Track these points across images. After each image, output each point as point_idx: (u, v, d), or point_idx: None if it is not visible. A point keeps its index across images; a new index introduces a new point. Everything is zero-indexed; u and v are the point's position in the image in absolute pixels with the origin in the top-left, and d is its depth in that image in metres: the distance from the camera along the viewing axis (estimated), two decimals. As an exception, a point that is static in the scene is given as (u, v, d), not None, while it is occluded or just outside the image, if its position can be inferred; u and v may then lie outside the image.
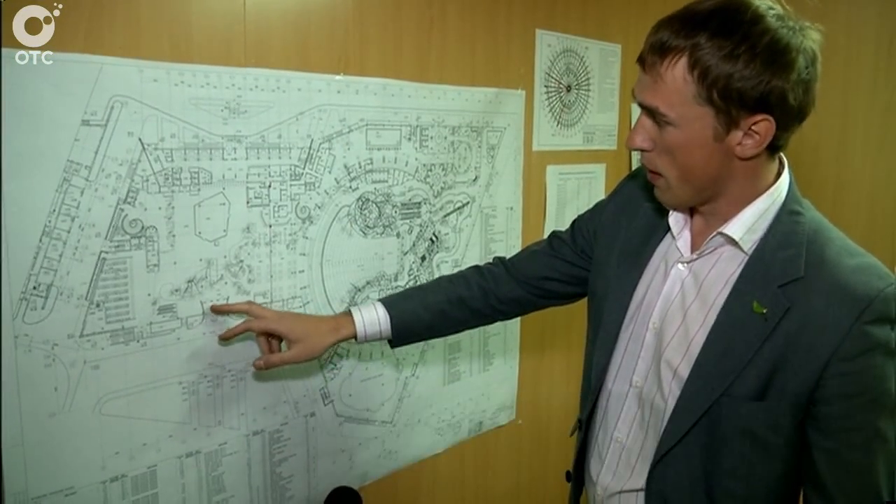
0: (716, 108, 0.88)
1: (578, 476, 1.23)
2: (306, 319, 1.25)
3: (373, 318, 1.24)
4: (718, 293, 0.98)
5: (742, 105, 0.87)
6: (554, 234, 1.33)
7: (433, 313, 1.27)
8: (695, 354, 0.97)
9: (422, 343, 1.61)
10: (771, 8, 0.88)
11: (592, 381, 1.14)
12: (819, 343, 0.89)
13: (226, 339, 1.22)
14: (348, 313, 1.25)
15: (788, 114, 0.89)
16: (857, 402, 0.90)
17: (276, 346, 1.23)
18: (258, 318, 1.20)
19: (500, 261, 1.35)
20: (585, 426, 1.19)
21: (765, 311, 0.92)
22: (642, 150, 0.98)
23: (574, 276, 1.27)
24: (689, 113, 0.89)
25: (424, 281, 1.58)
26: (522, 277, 1.30)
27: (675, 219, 1.05)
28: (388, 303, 1.26)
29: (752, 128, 0.89)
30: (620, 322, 1.09)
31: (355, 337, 1.23)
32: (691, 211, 1.04)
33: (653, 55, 0.91)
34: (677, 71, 0.88)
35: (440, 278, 1.36)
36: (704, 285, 1.00)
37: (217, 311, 1.21)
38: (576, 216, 1.32)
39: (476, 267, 1.35)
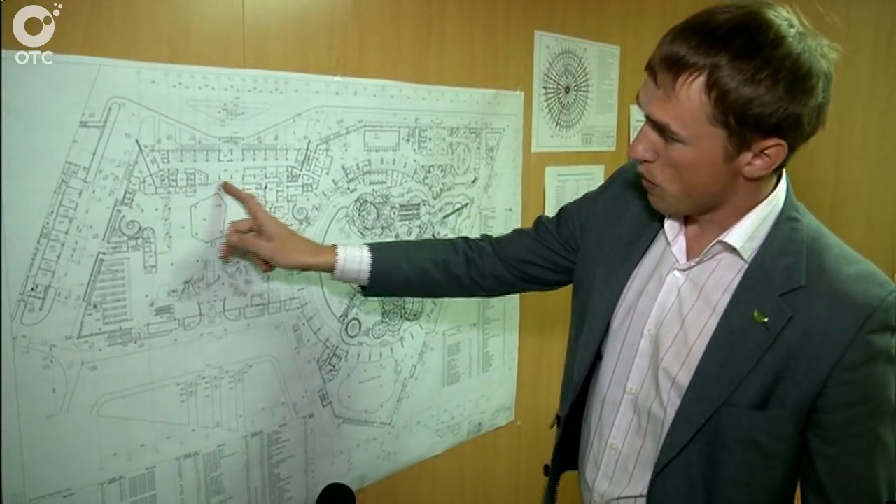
0: (729, 131, 0.86)
1: (556, 472, 1.24)
2: (295, 234, 1.25)
3: (355, 255, 1.22)
4: (718, 301, 0.97)
5: (757, 129, 0.85)
6: (540, 220, 1.31)
7: (415, 268, 1.25)
8: (694, 363, 0.97)
9: (421, 344, 1.62)
10: (791, 26, 0.86)
11: (575, 378, 1.14)
12: (822, 352, 0.89)
13: (226, 257, 1.21)
14: (333, 246, 1.23)
15: (801, 137, 0.88)
16: (860, 409, 0.90)
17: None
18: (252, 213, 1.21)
19: (487, 237, 1.34)
20: (570, 425, 1.19)
21: (766, 319, 0.91)
22: (644, 161, 0.95)
23: (556, 263, 1.26)
24: (700, 132, 0.87)
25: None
26: (505, 257, 1.29)
27: (670, 224, 1.03)
28: (373, 246, 1.25)
29: (764, 151, 0.87)
30: (606, 321, 1.09)
31: (332, 270, 1.21)
32: (686, 216, 1.04)
33: (667, 70, 0.87)
34: (693, 90, 0.85)
35: (428, 238, 1.36)
36: (703, 293, 0.99)
37: (228, 189, 1.21)
38: (563, 205, 1.32)
39: (465, 238, 1.34)
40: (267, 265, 1.22)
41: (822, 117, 0.89)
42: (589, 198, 1.26)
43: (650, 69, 0.91)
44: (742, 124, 0.85)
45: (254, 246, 1.18)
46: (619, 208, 1.14)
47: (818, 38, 0.88)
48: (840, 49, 0.89)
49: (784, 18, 0.86)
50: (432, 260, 1.27)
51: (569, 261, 1.24)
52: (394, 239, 1.50)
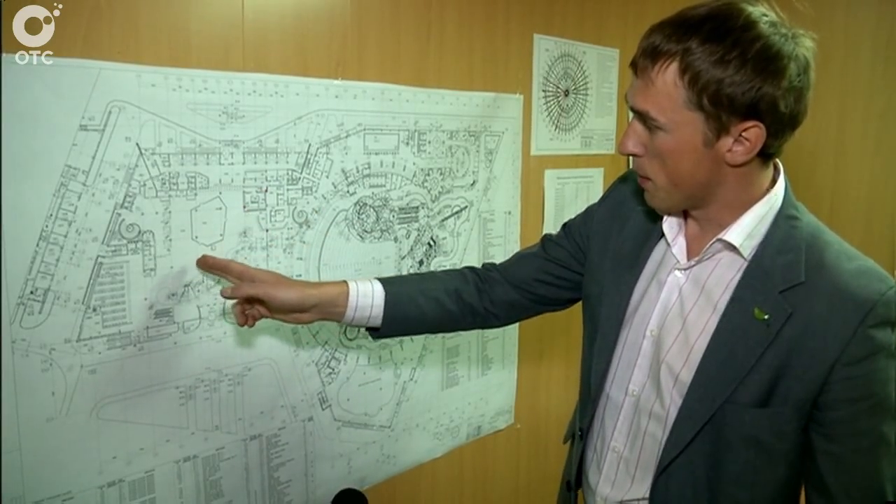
0: (706, 114, 0.88)
1: (579, 487, 1.22)
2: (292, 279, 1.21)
3: (367, 289, 1.15)
4: (718, 299, 0.97)
5: (732, 111, 0.87)
6: (546, 237, 1.30)
7: (428, 299, 1.20)
8: (696, 362, 0.97)
9: (420, 347, 1.62)
10: (764, 14, 0.88)
11: (592, 388, 1.13)
12: (823, 348, 0.89)
13: (245, 321, 1.14)
14: (341, 281, 1.17)
15: (779, 121, 0.88)
16: (862, 406, 0.90)
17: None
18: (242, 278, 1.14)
19: (492, 265, 1.31)
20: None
21: (766, 317, 0.91)
22: (634, 155, 0.97)
23: (566, 279, 1.24)
24: (679, 118, 0.89)
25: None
26: (515, 281, 1.26)
27: (669, 225, 1.04)
28: (384, 280, 1.19)
29: (743, 134, 0.88)
30: (618, 328, 1.09)
31: (343, 307, 1.13)
32: (685, 216, 1.04)
33: (644, 59, 0.91)
34: (668, 75, 0.88)
35: (435, 270, 1.34)
36: (703, 291, 0.99)
37: (203, 264, 1.17)
38: (566, 221, 1.31)
39: (470, 267, 1.31)
40: (253, 318, 1.14)
41: (803, 103, 0.90)
42: (591, 209, 1.25)
43: (633, 65, 0.94)
44: (716, 106, 0.87)
45: (249, 289, 1.09)
46: (621, 217, 1.14)
47: (792, 28, 0.90)
48: (815, 37, 0.91)
49: (757, 9, 0.89)
50: (444, 290, 1.22)
51: (579, 275, 1.23)
52: (393, 239, 1.50)
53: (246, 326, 1.15)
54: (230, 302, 1.17)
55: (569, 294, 1.27)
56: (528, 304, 1.28)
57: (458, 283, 1.25)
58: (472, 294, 1.24)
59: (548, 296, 1.27)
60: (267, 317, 1.14)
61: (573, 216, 1.30)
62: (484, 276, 1.28)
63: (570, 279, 1.24)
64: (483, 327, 1.31)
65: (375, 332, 1.20)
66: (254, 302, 1.12)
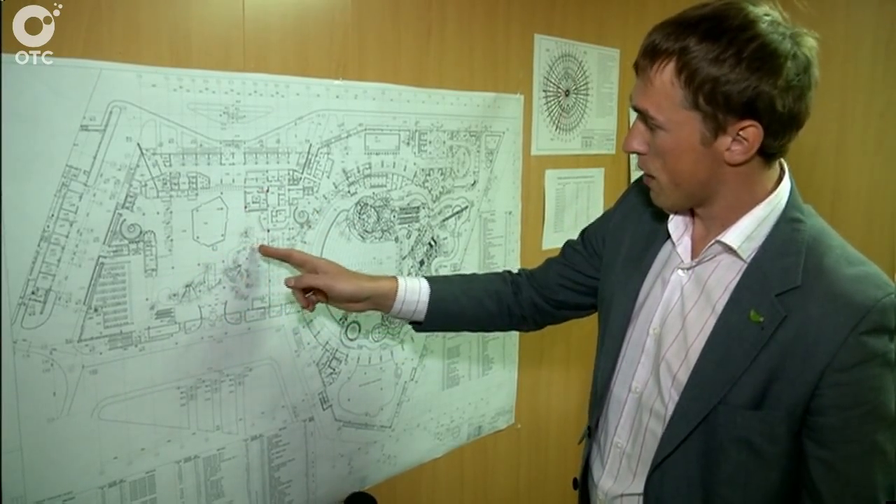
0: (703, 113, 0.88)
1: (585, 483, 1.23)
2: (348, 270, 1.27)
3: (414, 285, 1.24)
4: (717, 300, 0.98)
5: (728, 110, 0.87)
6: (567, 243, 1.33)
7: (470, 299, 1.27)
8: (693, 361, 0.97)
9: (421, 347, 1.62)
10: (766, 14, 0.88)
11: (600, 386, 1.14)
12: (815, 352, 0.89)
13: (308, 306, 1.23)
14: (391, 276, 1.26)
15: (777, 120, 0.88)
16: (854, 413, 0.90)
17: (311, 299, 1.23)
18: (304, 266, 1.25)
19: (523, 270, 1.37)
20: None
21: (762, 319, 0.92)
22: (638, 154, 0.98)
23: (585, 285, 1.27)
24: (677, 117, 0.90)
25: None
26: (538, 285, 1.31)
27: (674, 225, 1.05)
28: (430, 279, 1.27)
29: (740, 133, 0.89)
30: (625, 327, 1.09)
31: (391, 300, 1.22)
32: (692, 216, 1.04)
33: (644, 59, 0.92)
34: (665, 75, 0.89)
35: (478, 273, 1.40)
36: (704, 292, 0.99)
37: (266, 251, 1.25)
38: (584, 225, 1.33)
39: (508, 271, 1.38)
40: (312, 303, 1.23)
41: (804, 102, 0.90)
42: (608, 213, 1.28)
43: (636, 65, 0.95)
44: (713, 104, 0.87)
45: (311, 280, 1.20)
46: (634, 219, 1.16)
47: (794, 27, 0.90)
48: (818, 36, 0.91)
49: (759, 9, 0.89)
50: (485, 290, 1.29)
51: (597, 280, 1.24)
52: (393, 239, 1.50)
53: (307, 311, 1.27)
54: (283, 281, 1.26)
55: (590, 300, 1.29)
56: (552, 310, 1.32)
57: (499, 285, 1.31)
58: (509, 295, 1.31)
59: (568, 301, 1.30)
60: (324, 302, 1.24)
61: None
62: (517, 278, 1.34)
63: (588, 285, 1.27)
64: (518, 329, 1.38)
65: (418, 326, 1.28)
66: (314, 289, 1.21)
